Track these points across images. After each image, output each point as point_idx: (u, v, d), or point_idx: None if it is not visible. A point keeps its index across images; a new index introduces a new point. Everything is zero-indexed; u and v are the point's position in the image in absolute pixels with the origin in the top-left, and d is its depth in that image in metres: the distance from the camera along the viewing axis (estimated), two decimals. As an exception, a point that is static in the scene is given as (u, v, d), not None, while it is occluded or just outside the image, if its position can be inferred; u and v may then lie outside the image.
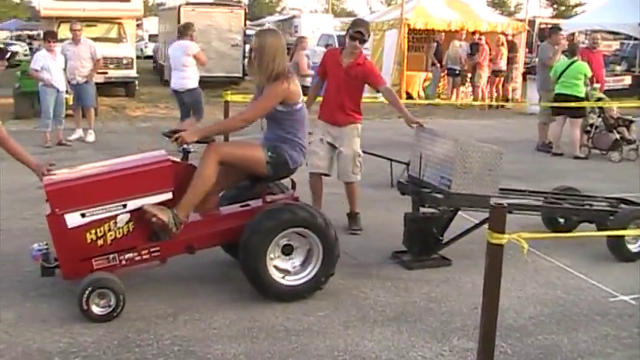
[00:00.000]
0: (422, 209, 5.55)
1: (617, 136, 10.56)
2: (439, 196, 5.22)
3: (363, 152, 6.43)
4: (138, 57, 20.33)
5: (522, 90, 18.08)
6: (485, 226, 3.56)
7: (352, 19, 8.89)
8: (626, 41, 24.30)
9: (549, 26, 14.85)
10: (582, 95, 10.51)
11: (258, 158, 4.60)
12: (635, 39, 20.61)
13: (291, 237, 4.58)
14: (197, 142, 4.49)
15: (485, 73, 17.20)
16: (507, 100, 17.82)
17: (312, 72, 11.65)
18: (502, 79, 17.68)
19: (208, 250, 4.83)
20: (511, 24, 19.46)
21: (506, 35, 17.97)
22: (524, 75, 18.51)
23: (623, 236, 5.56)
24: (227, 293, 4.72)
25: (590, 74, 10.66)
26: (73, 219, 4.22)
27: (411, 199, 5.60)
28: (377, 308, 4.60)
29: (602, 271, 5.46)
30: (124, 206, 4.32)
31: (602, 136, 10.77)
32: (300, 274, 4.63)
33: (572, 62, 10.58)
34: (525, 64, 19.94)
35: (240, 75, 20.04)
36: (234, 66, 19.88)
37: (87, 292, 4.12)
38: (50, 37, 10.43)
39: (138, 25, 28.34)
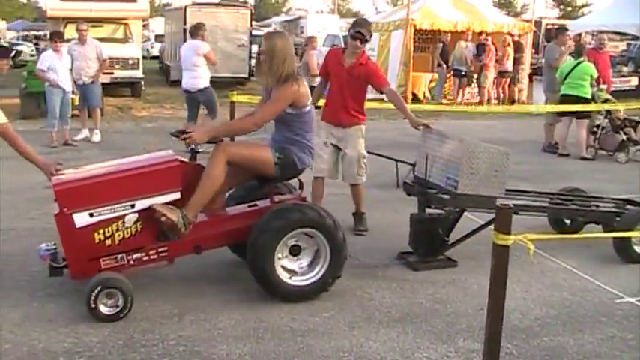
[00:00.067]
0: (428, 210, 5.54)
1: (624, 137, 10.53)
2: (445, 197, 5.21)
3: (369, 153, 6.43)
4: (144, 57, 20.37)
5: (528, 91, 18.05)
6: (491, 227, 3.55)
7: (357, 19, 8.86)
8: (633, 42, 24.20)
9: (556, 27, 14.82)
10: (588, 96, 10.49)
11: (266, 159, 4.61)
12: (642, 40, 20.57)
13: (299, 237, 4.58)
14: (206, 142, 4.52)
15: (491, 74, 17.19)
16: (513, 101, 17.79)
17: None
18: (508, 79, 17.66)
19: (214, 250, 4.83)
20: (517, 25, 19.43)
21: (512, 36, 17.94)
22: (530, 76, 18.48)
23: (629, 238, 5.53)
24: (233, 293, 4.73)
25: (595, 75, 10.64)
26: (81, 219, 4.23)
27: (417, 200, 5.60)
28: (382, 309, 4.60)
29: (609, 272, 5.44)
30: (132, 206, 4.33)
31: (608, 137, 10.74)
32: (307, 275, 4.63)
33: (579, 63, 10.56)
34: (531, 64, 19.90)
35: (246, 75, 20.07)
36: (240, 66, 19.91)
37: (96, 290, 4.13)
38: (57, 37, 10.46)
39: (144, 26, 28.44)
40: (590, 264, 5.62)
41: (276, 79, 4.58)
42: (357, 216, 6.37)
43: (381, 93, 6.26)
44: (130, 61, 16.77)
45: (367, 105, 6.33)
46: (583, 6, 56.83)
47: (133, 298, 4.24)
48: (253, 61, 20.90)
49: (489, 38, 17.48)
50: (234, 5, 21.91)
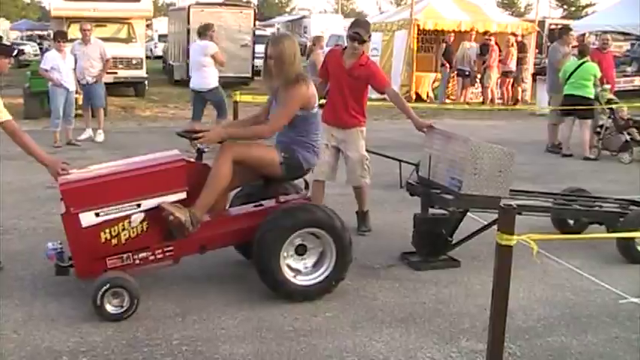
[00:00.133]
0: (431, 210, 5.53)
1: (628, 137, 10.51)
2: (449, 197, 5.20)
3: (372, 153, 6.40)
4: (147, 57, 20.42)
5: (532, 91, 18.03)
6: (495, 227, 3.54)
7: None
8: (636, 42, 24.19)
9: (559, 27, 14.76)
10: (591, 96, 10.48)
11: (272, 159, 4.62)
12: (646, 40, 20.54)
13: (305, 237, 4.58)
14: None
15: (494, 74, 17.19)
16: (517, 102, 17.79)
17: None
18: (512, 80, 17.65)
19: (217, 250, 4.83)
20: (521, 25, 19.43)
21: (516, 36, 17.93)
22: (534, 76, 18.47)
23: (633, 238, 5.52)
24: (236, 293, 4.73)
25: (599, 75, 10.62)
26: (87, 218, 4.23)
27: (420, 200, 5.59)
28: (385, 309, 4.59)
29: (612, 273, 5.43)
30: (138, 206, 4.32)
31: (612, 137, 10.73)
32: (311, 275, 4.63)
33: (582, 63, 10.55)
34: (535, 65, 19.89)
35: (250, 75, 20.10)
36: (243, 66, 19.93)
37: (103, 289, 4.14)
38: (60, 37, 10.48)
39: (147, 26, 28.47)
40: (593, 264, 5.60)
41: (286, 81, 4.57)
42: (361, 215, 6.35)
43: (382, 94, 6.15)
44: (134, 61, 16.79)
45: (370, 105, 6.30)
46: (587, 6, 56.80)
47: (139, 300, 4.24)
48: (256, 61, 20.94)
49: (493, 38, 17.48)
50: (237, 5, 21.95)
